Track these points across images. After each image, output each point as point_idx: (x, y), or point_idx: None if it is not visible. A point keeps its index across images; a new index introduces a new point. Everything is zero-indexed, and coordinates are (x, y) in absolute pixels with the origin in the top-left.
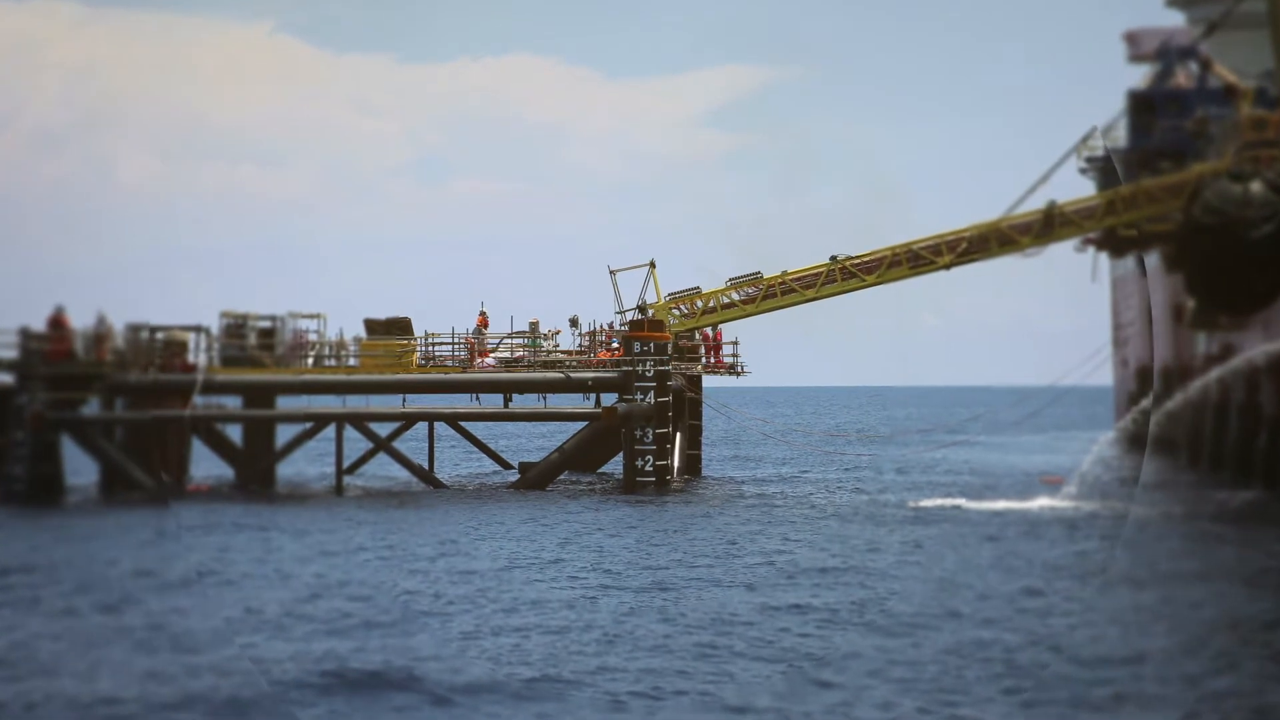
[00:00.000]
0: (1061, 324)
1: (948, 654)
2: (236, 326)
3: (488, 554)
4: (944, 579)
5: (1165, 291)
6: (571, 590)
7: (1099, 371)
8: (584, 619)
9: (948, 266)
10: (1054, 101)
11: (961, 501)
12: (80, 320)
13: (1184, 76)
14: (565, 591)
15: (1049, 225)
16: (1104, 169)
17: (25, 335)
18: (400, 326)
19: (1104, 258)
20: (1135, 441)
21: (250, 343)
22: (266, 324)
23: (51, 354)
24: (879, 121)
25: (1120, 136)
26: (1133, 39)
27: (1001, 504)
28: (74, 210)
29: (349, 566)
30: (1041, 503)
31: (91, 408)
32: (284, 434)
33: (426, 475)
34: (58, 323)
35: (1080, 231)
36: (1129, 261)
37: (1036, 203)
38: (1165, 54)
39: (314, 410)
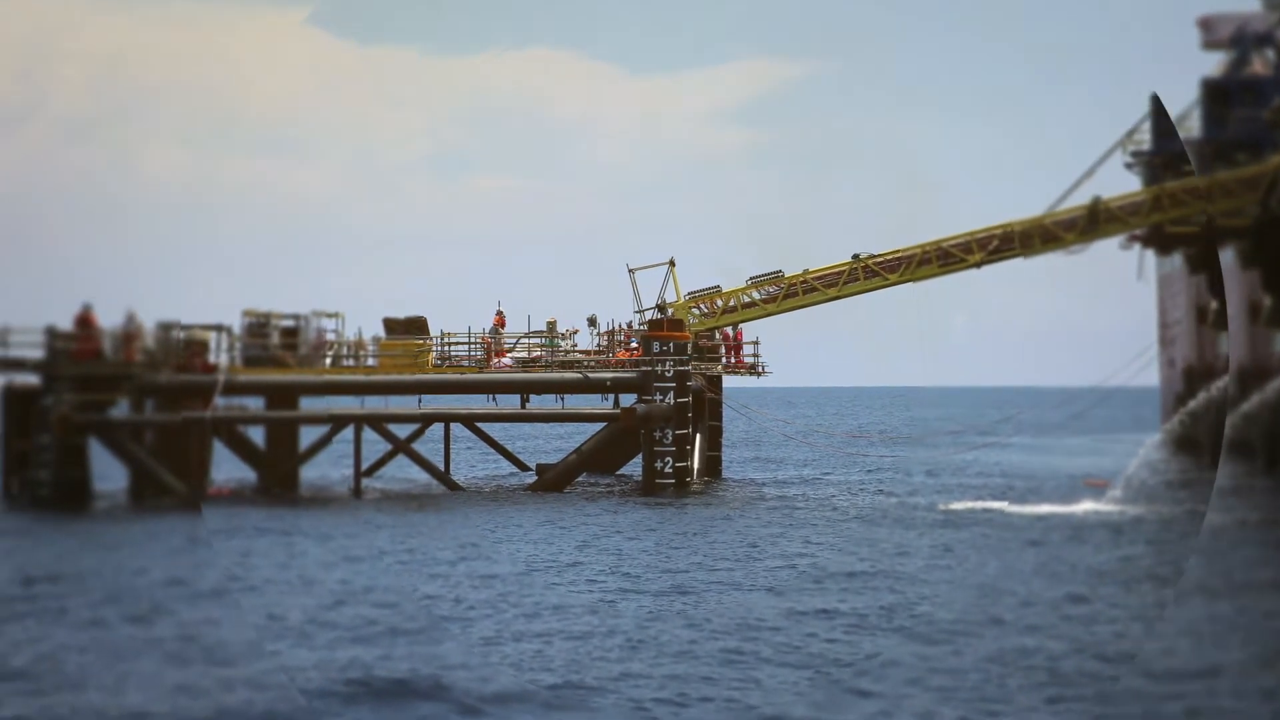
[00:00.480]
0: (1103, 323)
1: (990, 662)
2: (259, 326)
3: (507, 557)
4: (986, 585)
5: (1241, 289)
6: (590, 594)
7: (1145, 372)
8: (607, 624)
9: (979, 265)
10: (1086, 97)
11: (1002, 505)
12: (108, 319)
13: (1261, 64)
14: (584, 595)
15: (1094, 222)
16: (1150, 163)
17: (51, 334)
18: (416, 326)
19: (1150, 255)
20: (1182, 443)
21: (273, 342)
22: (290, 323)
23: (79, 354)
24: (905, 117)
25: (1194, 127)
26: (1207, 25)
27: (1045, 508)
28: (97, 203)
29: (373, 572)
30: (1086, 507)
31: (120, 410)
32: (308, 436)
33: (444, 478)
34: (85, 321)
35: (1126, 228)
36: (1175, 259)
37: (1072, 197)
38: (1241, 40)
39: (330, 411)
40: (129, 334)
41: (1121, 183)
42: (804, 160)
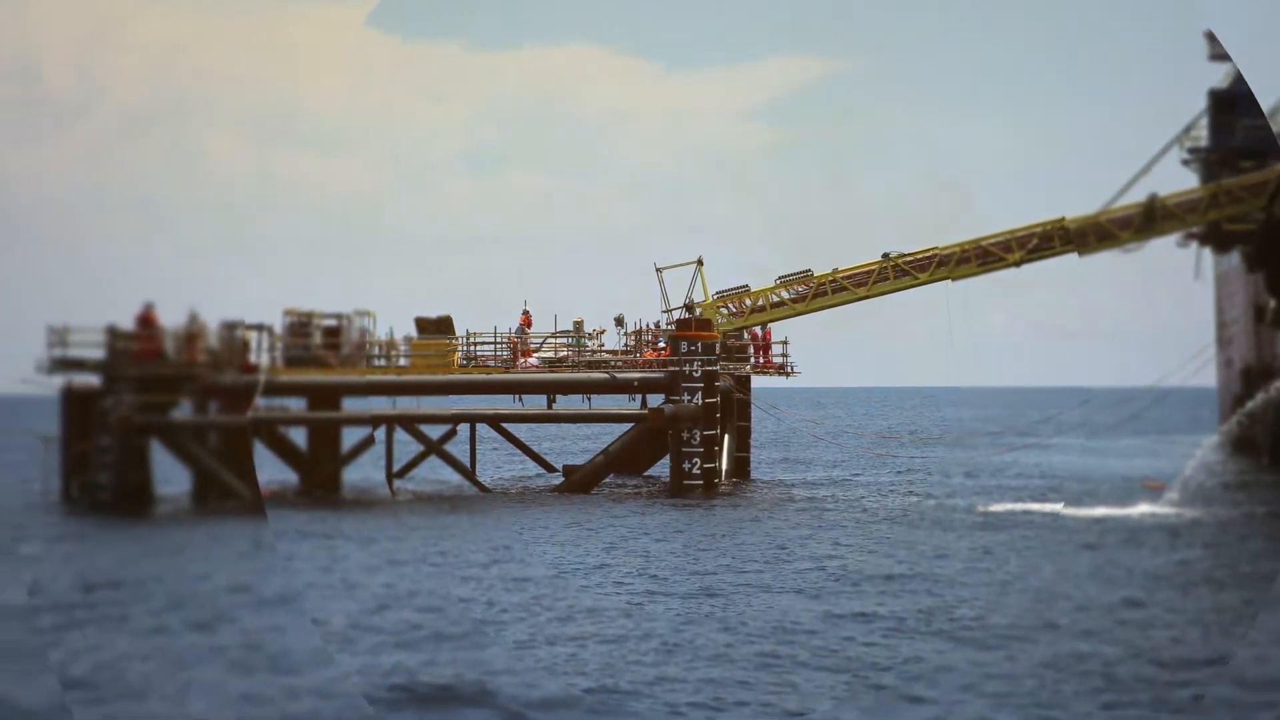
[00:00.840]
0: (1159, 321)
1: (1044, 667)
2: (301, 325)
3: (538, 559)
4: (1041, 589)
5: None
6: (618, 596)
7: (1202, 372)
8: (642, 628)
9: (1018, 264)
10: (1119, 97)
11: (1057, 507)
12: (170, 318)
13: None
14: (612, 598)
15: (1150, 219)
16: (1207, 160)
17: (112, 334)
18: (447, 325)
19: (1207, 253)
20: (1240, 445)
21: (315, 342)
22: (331, 323)
23: (140, 354)
24: (936, 116)
25: None
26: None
27: (1101, 511)
28: (151, 199)
29: (417, 576)
30: (1142, 509)
31: (183, 411)
32: (351, 437)
33: (474, 479)
34: (147, 320)
35: (1183, 226)
36: (1233, 257)
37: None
38: None
39: (360, 413)
40: (191, 333)
41: (1178, 179)
42: (833, 159)
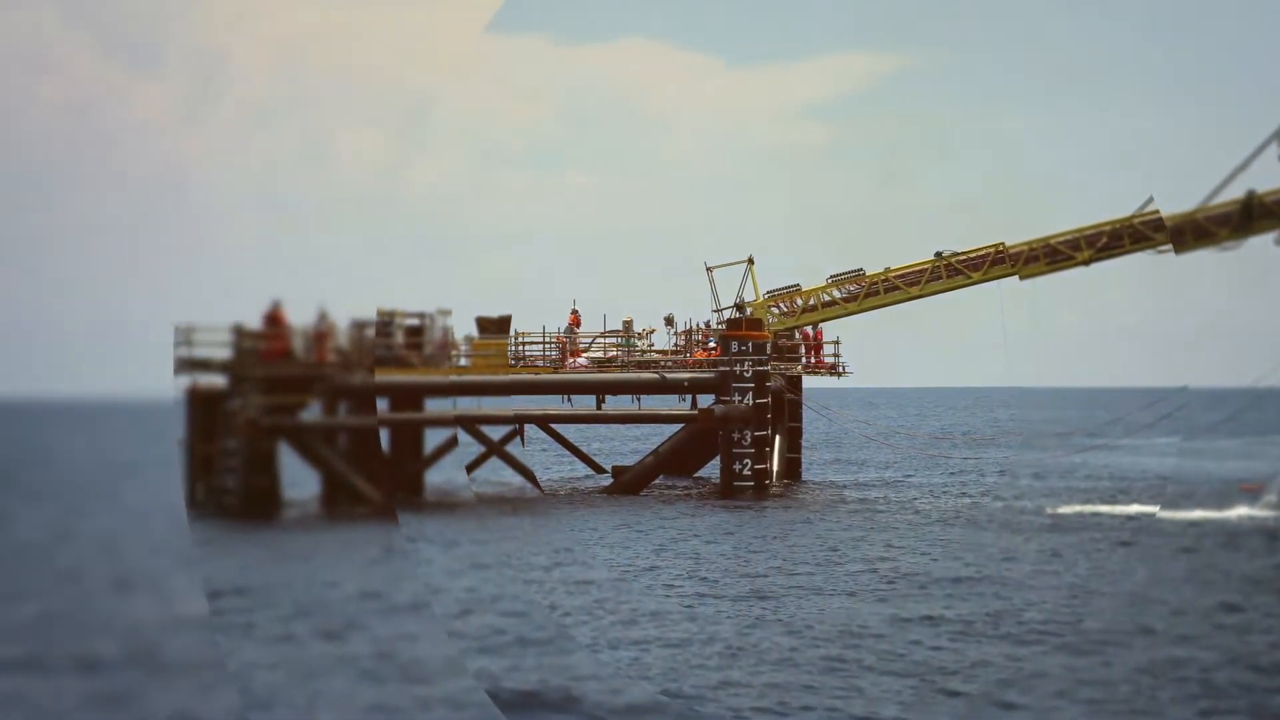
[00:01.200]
0: (1255, 320)
1: (1140, 673)
2: (383, 325)
3: (597, 562)
4: (1136, 594)
5: None
6: (667, 598)
7: None
8: (706, 631)
9: (1087, 262)
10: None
11: (1155, 510)
12: (298, 316)
13: None
14: (673, 601)
15: (1248, 217)
16: None
17: (239, 333)
18: (507, 325)
19: None
20: None
21: (397, 342)
22: (414, 322)
23: (267, 354)
24: (1002, 112)
25: None
26: None
27: (1198, 513)
28: (272, 194)
29: (500, 580)
30: (1240, 512)
31: (312, 413)
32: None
33: (535, 481)
34: (275, 319)
35: None
36: None
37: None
38: None
39: (431, 415)
40: (320, 332)
41: (1276, 176)
42: (891, 157)
